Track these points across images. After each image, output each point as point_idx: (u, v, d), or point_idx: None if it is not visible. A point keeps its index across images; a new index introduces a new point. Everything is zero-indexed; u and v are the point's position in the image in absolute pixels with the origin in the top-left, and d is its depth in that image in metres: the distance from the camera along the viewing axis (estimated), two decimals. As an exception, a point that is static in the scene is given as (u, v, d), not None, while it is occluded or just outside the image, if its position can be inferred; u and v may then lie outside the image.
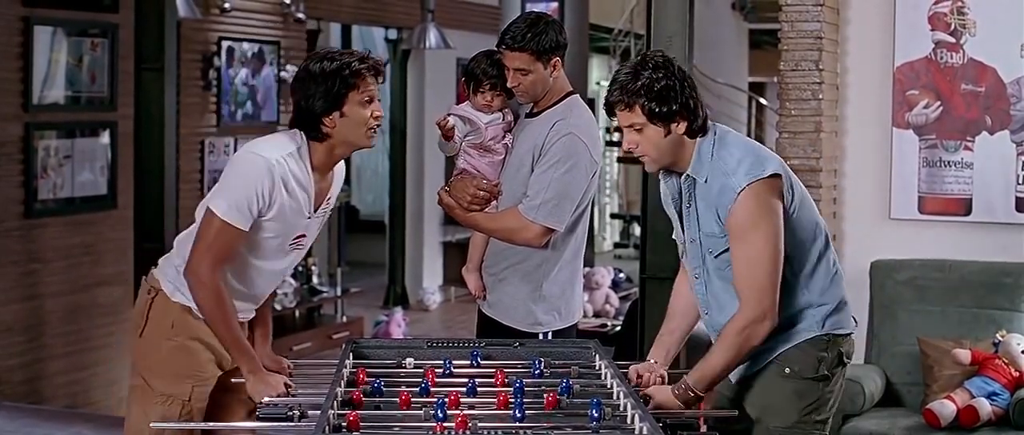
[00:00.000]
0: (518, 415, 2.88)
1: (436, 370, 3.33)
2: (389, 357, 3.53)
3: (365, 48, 3.42)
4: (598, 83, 15.99)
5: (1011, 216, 5.39)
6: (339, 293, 10.12)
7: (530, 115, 4.01)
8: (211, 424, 3.48)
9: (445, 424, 2.79)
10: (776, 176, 3.16)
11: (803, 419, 3.27)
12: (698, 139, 3.22)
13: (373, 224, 13.23)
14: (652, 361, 3.45)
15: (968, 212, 5.45)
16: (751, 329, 3.16)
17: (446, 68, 11.89)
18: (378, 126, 3.35)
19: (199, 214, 3.36)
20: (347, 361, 3.36)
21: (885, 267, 5.36)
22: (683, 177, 3.26)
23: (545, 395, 3.03)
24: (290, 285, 9.01)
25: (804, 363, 3.26)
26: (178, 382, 3.43)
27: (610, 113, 3.23)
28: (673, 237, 3.46)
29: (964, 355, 4.96)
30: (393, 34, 11.62)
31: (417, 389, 3.11)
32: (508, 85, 3.90)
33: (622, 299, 9.95)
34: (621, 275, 10.49)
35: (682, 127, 3.18)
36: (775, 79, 5.72)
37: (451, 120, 3.95)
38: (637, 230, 13.59)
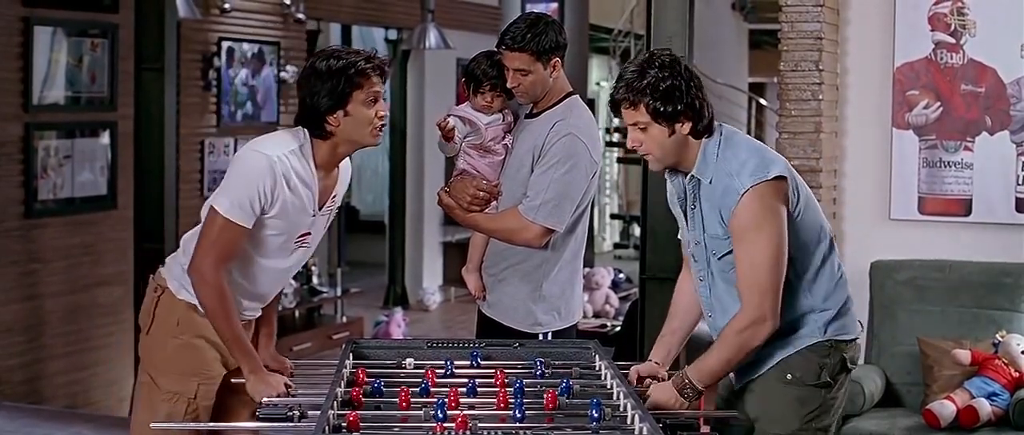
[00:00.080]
0: (518, 415, 2.88)
1: (438, 370, 3.33)
2: (389, 357, 3.53)
3: (373, 48, 3.41)
4: (598, 83, 16.00)
5: (1011, 216, 5.39)
6: (339, 293, 10.13)
7: (530, 116, 4.01)
8: (212, 424, 3.48)
9: (445, 424, 2.79)
10: (781, 178, 3.14)
11: (805, 426, 3.24)
12: (704, 140, 3.19)
13: (373, 224, 13.23)
14: (653, 362, 3.45)
15: (968, 212, 5.45)
16: (751, 330, 3.15)
17: (446, 68, 11.89)
18: (383, 125, 3.35)
19: (204, 213, 3.36)
20: (347, 361, 3.36)
21: (885, 267, 5.36)
22: (688, 178, 3.25)
23: (545, 395, 3.02)
24: (290, 285, 9.01)
25: (806, 369, 3.23)
26: (184, 380, 3.44)
27: (615, 111, 3.21)
28: (679, 237, 3.45)
29: (964, 355, 4.96)
30: (393, 34, 11.62)
31: (417, 389, 3.11)
32: (508, 86, 3.90)
33: (622, 299, 9.96)
34: (621, 275, 10.51)
35: (686, 127, 3.16)
36: (775, 79, 5.72)
37: (451, 121, 3.95)
38: (637, 230, 13.59)
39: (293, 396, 3.27)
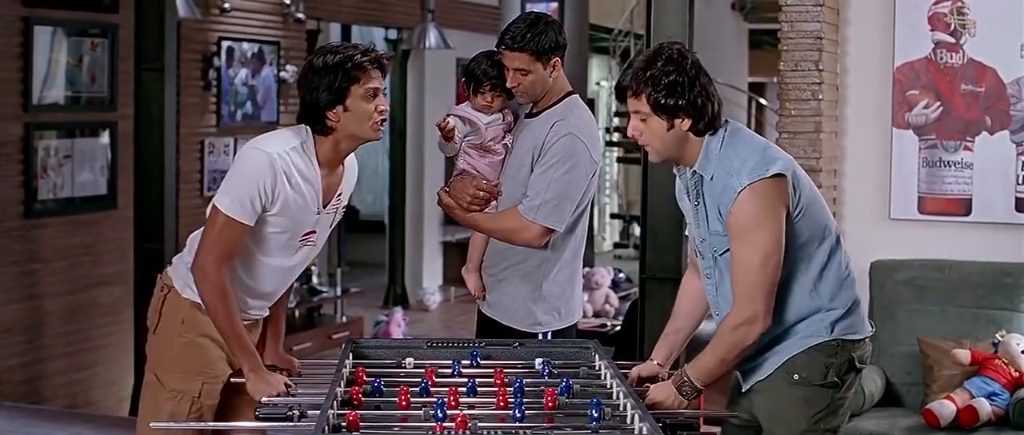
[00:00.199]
0: (518, 415, 2.88)
1: (444, 371, 3.34)
2: (389, 357, 3.53)
3: (371, 43, 3.43)
4: (598, 83, 16.00)
5: (1011, 216, 5.39)
6: (339, 293, 10.13)
7: (530, 115, 4.01)
8: (214, 424, 3.48)
9: (445, 424, 2.79)
10: (780, 176, 3.12)
11: (812, 427, 3.22)
12: (707, 136, 3.19)
13: (373, 224, 13.23)
14: (655, 363, 3.44)
15: (968, 212, 5.45)
16: (744, 329, 3.13)
17: (446, 68, 11.89)
18: (383, 120, 3.35)
19: (209, 212, 3.37)
20: (347, 361, 3.36)
21: (885, 267, 5.36)
22: (691, 173, 3.25)
23: (545, 395, 3.02)
24: (291, 285, 9.01)
25: (812, 369, 3.21)
26: (188, 379, 3.44)
27: (620, 96, 3.22)
28: (686, 233, 3.44)
29: (964, 355, 4.96)
30: (393, 34, 11.63)
31: (417, 389, 3.11)
32: (508, 85, 3.90)
33: (622, 299, 9.95)
34: (621, 275, 10.50)
35: (686, 124, 3.15)
36: (775, 79, 5.72)
37: (451, 121, 3.95)
38: (637, 230, 13.58)
39: (293, 396, 3.27)
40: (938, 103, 5.44)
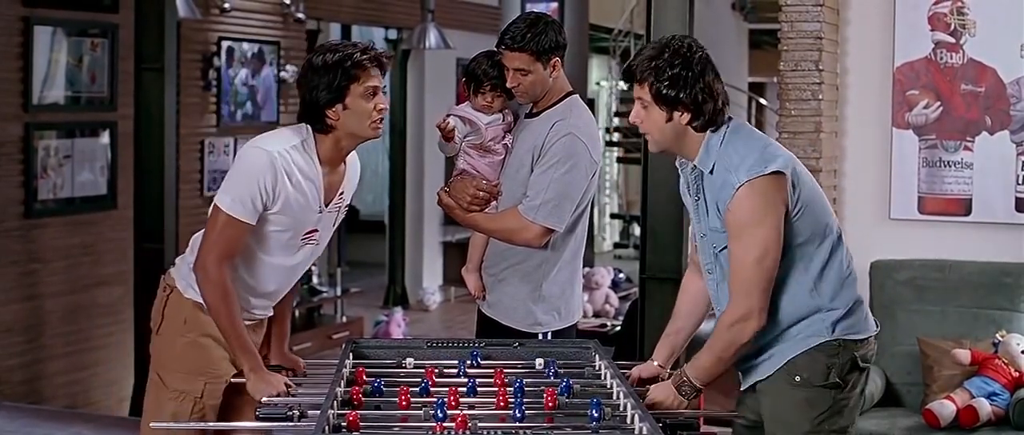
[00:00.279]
0: (518, 415, 2.88)
1: (449, 370, 3.34)
2: (389, 357, 3.53)
3: (370, 41, 3.45)
4: (598, 83, 16.00)
5: (1011, 216, 5.39)
6: (339, 293, 10.13)
7: (530, 115, 4.01)
8: (215, 424, 3.48)
9: (445, 424, 2.79)
10: (779, 174, 3.11)
11: (816, 428, 3.20)
12: (709, 132, 3.19)
13: (373, 224, 13.23)
14: (655, 363, 3.44)
15: (968, 212, 5.45)
16: (739, 326, 3.13)
17: (446, 68, 11.89)
18: (382, 118, 3.35)
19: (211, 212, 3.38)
20: (347, 361, 3.36)
21: (885, 267, 5.36)
22: (692, 168, 3.25)
23: (545, 395, 3.02)
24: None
25: (813, 370, 3.20)
26: (190, 379, 3.44)
27: (627, 79, 3.21)
28: (690, 229, 3.44)
29: (964, 355, 4.96)
30: (393, 34, 11.63)
31: (417, 389, 3.11)
32: (507, 85, 3.90)
33: (622, 299, 9.96)
34: (621, 275, 10.50)
35: (685, 118, 3.15)
36: (775, 79, 5.72)
37: (451, 121, 3.95)
38: (637, 230, 13.59)
39: (293, 396, 3.27)
40: (938, 103, 5.44)
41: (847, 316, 3.23)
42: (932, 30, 5.42)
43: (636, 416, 2.85)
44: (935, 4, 5.41)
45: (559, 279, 3.99)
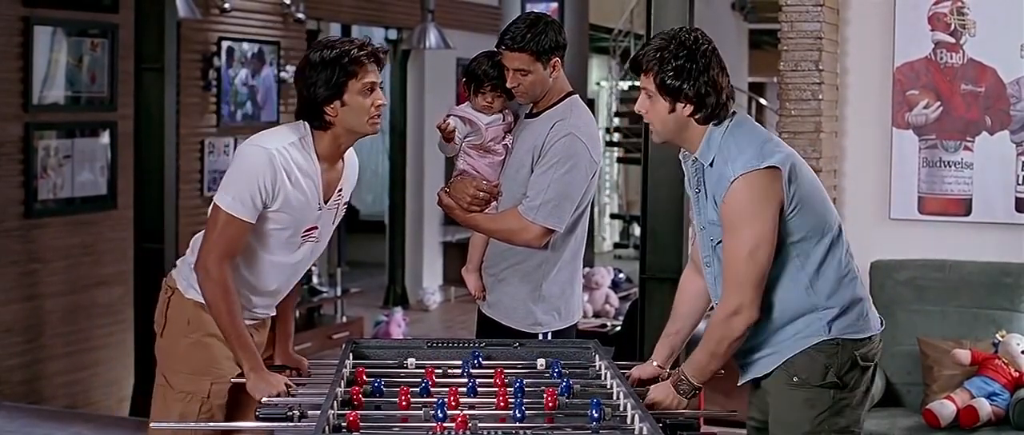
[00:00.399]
0: (518, 415, 2.88)
1: (453, 371, 3.34)
2: (389, 357, 3.53)
3: (367, 37, 3.48)
4: (598, 83, 16.00)
5: (1011, 216, 5.39)
6: (339, 293, 10.13)
7: (530, 115, 4.01)
8: (215, 424, 3.48)
9: (445, 424, 2.79)
10: (774, 169, 3.10)
11: (817, 428, 3.19)
12: (711, 126, 3.19)
13: (373, 224, 13.23)
14: (655, 364, 3.44)
15: (968, 212, 5.45)
16: (730, 321, 3.13)
17: (446, 68, 11.89)
18: (380, 114, 3.35)
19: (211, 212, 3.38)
20: (347, 361, 3.36)
21: (885, 267, 5.36)
22: (693, 160, 3.25)
23: (545, 395, 3.02)
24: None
25: (811, 370, 3.19)
26: (197, 379, 3.44)
27: (634, 70, 3.24)
28: (691, 228, 3.44)
29: (964, 355, 4.96)
30: (393, 34, 11.62)
31: (417, 389, 3.11)
32: (507, 85, 3.90)
33: (622, 299, 9.95)
34: (621, 275, 10.50)
35: (687, 110, 3.16)
36: (775, 79, 5.72)
37: (451, 122, 3.95)
38: (637, 230, 13.59)
39: (293, 396, 3.27)
40: (938, 103, 5.44)
41: (844, 315, 3.21)
42: (932, 30, 5.42)
43: (636, 416, 2.85)
44: (935, 4, 5.41)
45: (559, 279, 3.99)
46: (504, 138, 4.00)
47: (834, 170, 5.53)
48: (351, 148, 3.47)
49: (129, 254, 7.05)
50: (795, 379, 3.20)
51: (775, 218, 3.11)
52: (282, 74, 9.20)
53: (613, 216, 16.97)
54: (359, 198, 14.37)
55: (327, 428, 2.74)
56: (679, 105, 3.16)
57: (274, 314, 3.59)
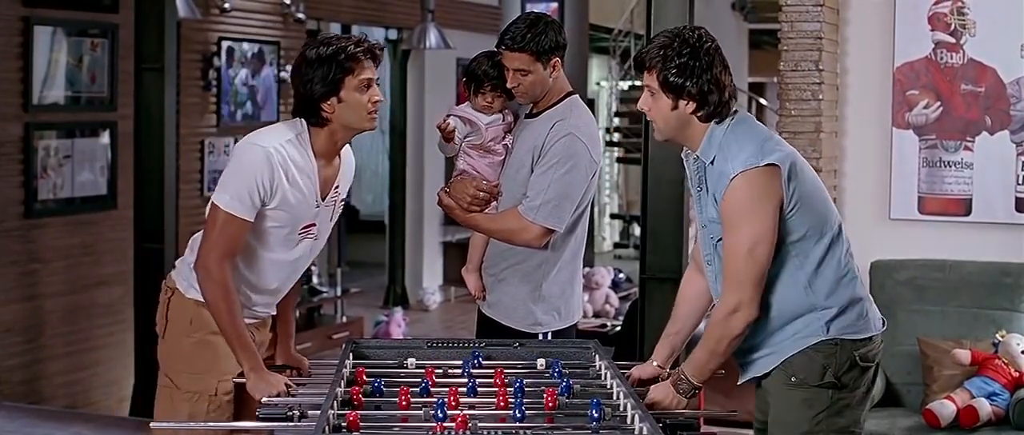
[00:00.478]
0: (518, 415, 2.88)
1: (454, 371, 3.34)
2: (389, 357, 3.53)
3: (364, 34, 3.49)
4: (598, 83, 16.00)
5: (1011, 216, 5.39)
6: (339, 293, 10.13)
7: (530, 116, 4.01)
8: (218, 424, 3.48)
9: (445, 424, 2.79)
10: (773, 166, 3.10)
11: (815, 428, 3.18)
12: (713, 123, 3.19)
13: (373, 224, 13.23)
14: (654, 364, 3.44)
15: (968, 212, 5.45)
16: (729, 319, 3.13)
17: (446, 68, 11.89)
18: (377, 109, 3.35)
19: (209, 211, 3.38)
20: (347, 361, 3.36)
21: (885, 267, 5.36)
22: (694, 158, 3.25)
23: (545, 395, 3.02)
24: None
25: (809, 370, 3.18)
26: (202, 378, 3.45)
27: (638, 67, 3.24)
28: (692, 228, 3.45)
29: (964, 355, 4.96)
30: (393, 34, 11.62)
31: (417, 389, 3.11)
32: (507, 86, 3.90)
33: (622, 299, 9.95)
34: (621, 275, 10.50)
35: (690, 108, 3.16)
36: (775, 79, 5.72)
37: (451, 122, 3.95)
38: (637, 230, 13.59)
39: (293, 396, 3.27)
40: (938, 103, 5.44)
41: (843, 315, 3.21)
42: (932, 30, 5.42)
43: (636, 416, 2.85)
44: (935, 4, 5.41)
45: (559, 279, 3.99)
46: (504, 138, 4.00)
47: (834, 170, 5.53)
48: (347, 145, 3.47)
49: (129, 254, 7.05)
50: (793, 379, 3.20)
51: (775, 216, 3.11)
52: (282, 74, 9.20)
53: (613, 216, 16.97)
54: (359, 198, 14.37)
55: (327, 428, 2.74)
56: (682, 102, 3.16)
57: (274, 313, 3.59)
